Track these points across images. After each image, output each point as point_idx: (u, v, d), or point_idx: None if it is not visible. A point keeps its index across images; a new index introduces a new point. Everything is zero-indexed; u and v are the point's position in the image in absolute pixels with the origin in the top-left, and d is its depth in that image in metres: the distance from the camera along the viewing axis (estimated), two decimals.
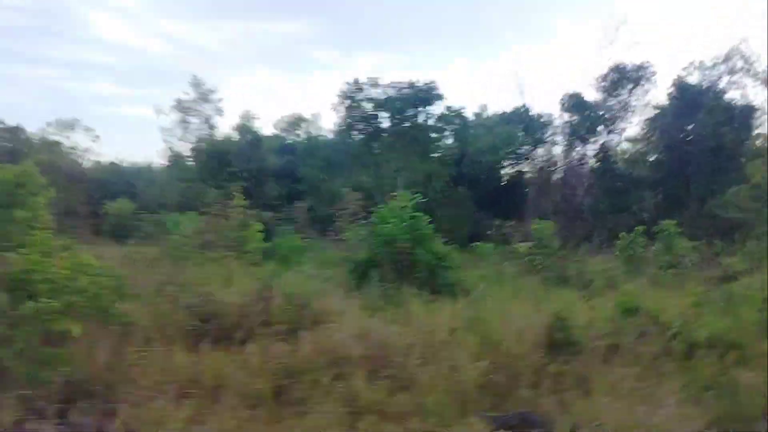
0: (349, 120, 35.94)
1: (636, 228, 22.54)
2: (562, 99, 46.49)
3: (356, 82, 35.50)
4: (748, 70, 42.72)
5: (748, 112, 41.44)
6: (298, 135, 57.27)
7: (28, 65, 68.88)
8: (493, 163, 48.47)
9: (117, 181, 43.69)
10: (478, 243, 23.62)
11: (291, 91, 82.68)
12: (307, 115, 56.22)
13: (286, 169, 41.17)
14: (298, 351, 8.98)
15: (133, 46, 71.89)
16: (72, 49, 70.58)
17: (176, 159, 41.60)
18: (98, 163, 47.67)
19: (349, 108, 35.78)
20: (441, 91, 34.87)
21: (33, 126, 41.62)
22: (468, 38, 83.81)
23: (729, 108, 40.83)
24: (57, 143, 41.59)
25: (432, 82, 34.54)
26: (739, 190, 37.58)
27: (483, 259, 20.62)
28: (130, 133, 77.43)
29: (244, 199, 17.07)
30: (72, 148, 42.05)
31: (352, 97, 35.60)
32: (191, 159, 42.11)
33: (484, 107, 52.86)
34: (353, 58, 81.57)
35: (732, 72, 43.30)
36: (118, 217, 24.28)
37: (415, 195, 14.19)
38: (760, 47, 45.72)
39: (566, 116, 46.67)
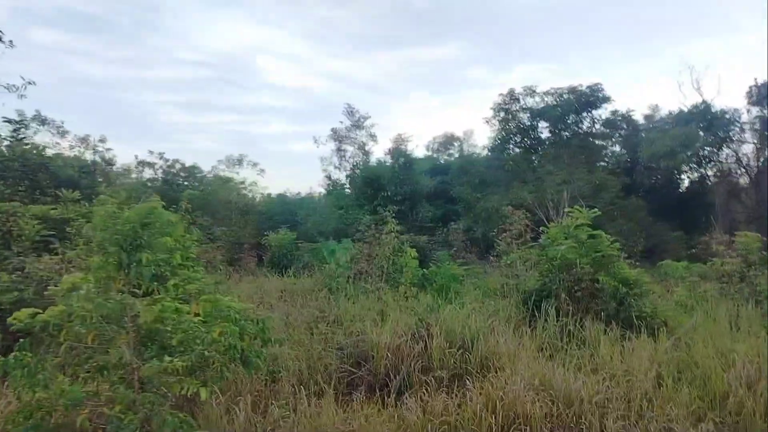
0: (504, 133, 33.99)
1: None
2: (749, 91, 40.77)
3: (511, 92, 33.53)
4: None
5: None
6: (450, 155, 56.39)
7: (216, 113, 77.96)
8: (670, 169, 43.60)
9: (281, 212, 45.52)
10: (665, 261, 20.45)
11: (444, 112, 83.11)
12: (459, 133, 55.23)
13: (439, 190, 40.16)
14: (464, 406, 7.47)
15: (300, 86, 77.93)
16: (250, 96, 78.74)
17: (333, 187, 42.38)
18: (267, 195, 50.31)
19: (503, 120, 33.86)
20: (606, 93, 31.76)
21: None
22: (628, 39, 78.14)
23: None
24: (228, 179, 44.29)
25: (596, 85, 31.59)
26: None
27: (674, 281, 17.63)
28: (299, 166, 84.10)
29: (398, 223, 15.97)
30: (240, 182, 44.54)
31: (506, 108, 33.68)
32: (347, 186, 42.71)
33: (655, 108, 48.01)
34: (506, 73, 79.91)
35: None
36: (278, 248, 24.64)
37: (592, 209, 12.07)
38: None
39: (755, 110, 40.80)
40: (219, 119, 77.79)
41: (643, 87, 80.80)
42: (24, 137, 16.48)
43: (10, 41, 15.82)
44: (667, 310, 11.29)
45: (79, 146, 38.83)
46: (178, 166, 40.12)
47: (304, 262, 21.39)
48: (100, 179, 29.06)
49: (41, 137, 37.76)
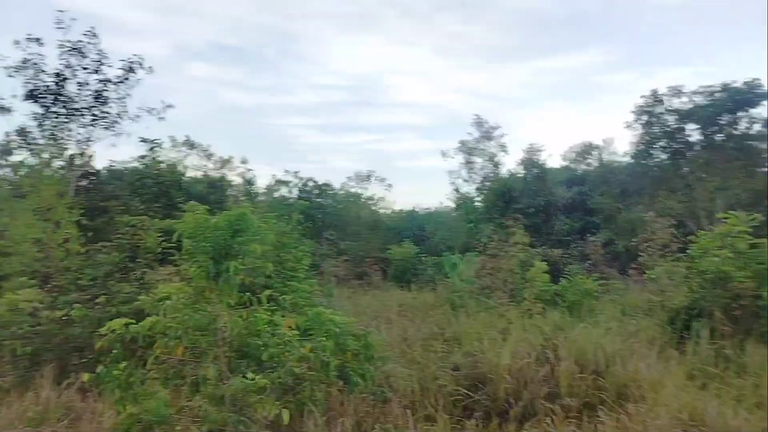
0: (647, 138, 31.22)
1: None
2: None
3: (654, 93, 30.75)
4: None
5: None
6: (588, 164, 53.30)
7: (351, 133, 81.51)
8: None
9: (409, 227, 45.48)
10: None
11: (581, 121, 79.33)
12: (597, 141, 52.12)
13: (576, 201, 37.86)
14: None
15: (432, 103, 78.91)
16: (383, 115, 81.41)
17: (462, 200, 41.50)
18: (397, 210, 50.72)
19: (646, 124, 31.12)
20: (766, 88, 28.05)
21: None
22: None
23: None
24: (357, 195, 45.08)
25: (754, 80, 28.03)
26: None
27: None
28: (430, 181, 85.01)
29: (526, 235, 14.90)
30: (369, 198, 45.11)
31: (649, 111, 30.92)
32: (477, 199, 41.66)
33: None
34: (648, 78, 74.79)
35: None
36: (401, 261, 24.27)
37: (752, 216, 10.32)
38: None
39: None
40: (354, 139, 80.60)
41: None
42: (158, 156, 17.79)
43: (150, 67, 17.14)
44: None
45: (222, 167, 41.42)
46: (311, 183, 41.42)
47: (428, 276, 20.82)
48: (231, 194, 30.62)
49: (190, 160, 40.98)
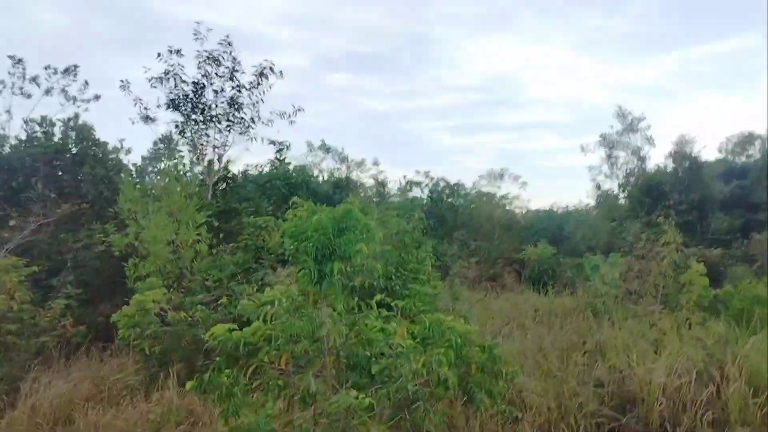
0: None
1: None
2: None
3: None
4: None
5: None
6: (750, 156, 47.89)
7: (485, 133, 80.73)
8: None
9: (547, 227, 43.45)
10: None
11: (741, 110, 71.90)
12: (760, 131, 46.70)
13: (736, 196, 34.00)
14: None
15: (571, 99, 75.83)
16: (519, 113, 79.76)
17: (604, 197, 38.77)
18: (534, 210, 48.83)
19: None
20: None
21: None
22: None
23: None
24: (490, 194, 43.76)
25: None
26: None
27: None
28: (570, 179, 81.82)
29: (680, 234, 13.16)
30: (503, 197, 43.59)
31: None
32: (621, 195, 38.74)
33: None
34: None
35: None
36: (537, 263, 22.80)
37: None
38: None
39: None
40: (488, 139, 79.36)
41: None
42: (285, 158, 18.07)
43: (280, 72, 17.44)
44: None
45: (355, 170, 42.04)
46: (442, 183, 40.80)
47: (567, 278, 19.33)
48: (361, 194, 30.76)
49: (327, 163, 42.09)
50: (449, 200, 40.70)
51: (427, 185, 40.93)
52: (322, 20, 69.53)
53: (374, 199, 42.66)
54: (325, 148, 41.61)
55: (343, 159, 41.31)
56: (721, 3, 68.32)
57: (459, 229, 35.86)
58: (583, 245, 34.15)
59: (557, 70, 76.00)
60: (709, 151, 66.94)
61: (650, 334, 9.00)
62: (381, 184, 42.33)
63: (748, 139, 51.17)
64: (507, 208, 44.05)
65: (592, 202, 42.22)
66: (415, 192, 42.83)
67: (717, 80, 74.87)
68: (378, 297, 5.42)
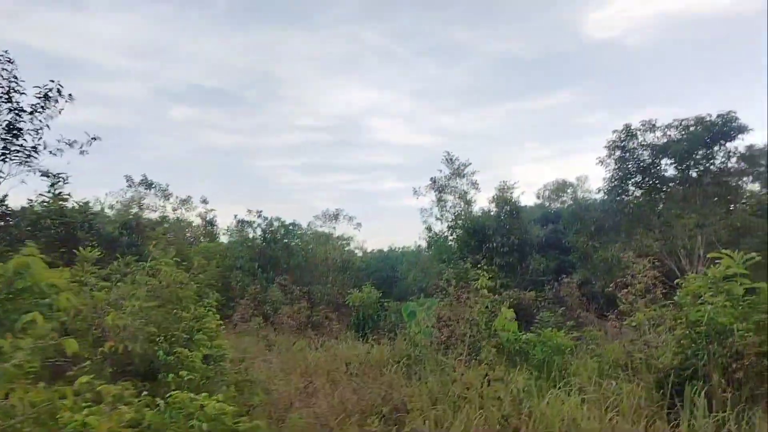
0: (621, 173, 30.04)
1: None
2: None
3: (627, 128, 29.70)
4: None
5: None
6: (563, 202, 52.45)
7: (331, 173, 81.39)
8: None
9: (381, 268, 43.76)
10: None
11: (557, 161, 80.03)
12: (572, 179, 51.38)
13: (551, 239, 36.55)
14: None
15: (409, 143, 79.52)
16: (362, 155, 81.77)
17: (434, 239, 39.85)
18: (371, 251, 49.16)
19: (620, 159, 29.99)
20: (742, 122, 27.13)
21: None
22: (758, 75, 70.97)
23: None
24: (325, 234, 43.25)
25: (728, 113, 27.10)
26: None
27: None
28: (406, 220, 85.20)
29: (502, 275, 13.17)
30: (339, 237, 43.30)
31: (623, 146, 29.84)
32: (450, 238, 40.08)
33: None
34: (622, 118, 75.59)
35: None
36: (361, 308, 22.28)
37: (750, 256, 8.74)
38: None
39: None
40: (334, 179, 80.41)
41: None
42: (61, 192, 15.72)
43: (69, 95, 15.41)
44: None
45: (181, 207, 39.44)
46: (276, 223, 39.51)
47: (390, 324, 18.94)
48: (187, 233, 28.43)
49: (149, 200, 38.93)
50: (284, 240, 39.46)
51: (259, 225, 39.40)
52: (164, 50, 66.23)
53: (201, 239, 40.20)
54: (147, 184, 38.63)
55: (167, 196, 38.59)
56: (541, 63, 75.62)
57: (294, 270, 34.70)
58: (415, 287, 34.57)
59: (399, 115, 79.49)
60: (528, 198, 73.03)
61: (454, 390, 8.49)
62: (209, 223, 40.05)
63: (561, 187, 56.19)
64: (346, 248, 43.81)
65: (424, 244, 43.32)
66: (250, 231, 41.06)
67: (537, 132, 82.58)
68: (84, 378, 4.11)
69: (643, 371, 8.87)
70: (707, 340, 8.22)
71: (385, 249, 51.05)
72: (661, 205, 30.65)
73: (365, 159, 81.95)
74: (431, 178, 39.36)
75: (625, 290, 10.96)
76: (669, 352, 8.83)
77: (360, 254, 46.97)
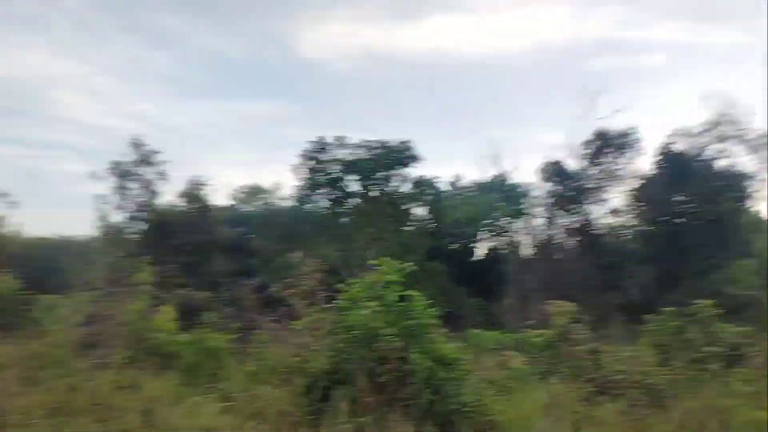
0: (311, 183, 31.23)
1: (667, 309, 17.88)
2: (542, 167, 43.20)
3: (320, 140, 31.05)
4: (739, 137, 40.16)
5: (744, 179, 38.52)
6: (255, 206, 52.65)
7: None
8: (470, 236, 44.33)
9: (45, 257, 38.17)
10: (474, 330, 18.57)
11: (256, 168, 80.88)
12: (267, 184, 51.80)
13: (238, 241, 36.12)
14: None
15: (103, 125, 70.86)
16: (41, 129, 69.92)
17: (109, 230, 35.99)
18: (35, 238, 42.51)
19: (312, 170, 31.15)
20: (417, 152, 30.61)
21: None
22: (441, 115, 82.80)
23: (725, 176, 37.83)
24: None
25: (407, 141, 30.34)
26: (744, 265, 34.00)
27: (483, 352, 15.56)
28: (83, 207, 75.88)
29: (160, 273, 11.89)
30: None
31: (315, 157, 31.06)
32: (130, 230, 36.65)
33: (459, 177, 49.28)
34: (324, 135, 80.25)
35: (721, 139, 40.68)
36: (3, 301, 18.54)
37: (404, 265, 9.27)
38: (750, 110, 43.39)
39: (547, 186, 43.27)
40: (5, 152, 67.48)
41: (449, 162, 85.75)
42: None
43: None
44: (496, 401, 8.67)
45: None
46: None
47: (33, 320, 16.00)
48: None
49: None
50: None
51: None
52: None
53: None
54: None
55: None
56: (252, 68, 75.46)
57: None
58: (77, 280, 30.58)
59: (90, 92, 71.05)
60: (221, 197, 71.91)
61: (78, 399, 7.06)
62: None
63: (256, 191, 56.45)
64: None
65: (98, 233, 38.87)
66: None
67: (239, 135, 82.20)
68: None
69: (295, 376, 8.67)
70: (359, 344, 8.36)
71: (54, 236, 44.76)
72: (345, 219, 32.72)
73: (44, 134, 71.15)
74: (113, 162, 35.53)
75: (290, 291, 10.80)
76: (323, 356, 8.80)
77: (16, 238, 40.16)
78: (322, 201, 32.03)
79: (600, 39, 79.62)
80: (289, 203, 37.69)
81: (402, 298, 8.88)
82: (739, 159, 39.83)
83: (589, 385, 11.60)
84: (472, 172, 52.78)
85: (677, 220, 38.15)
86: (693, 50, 76.21)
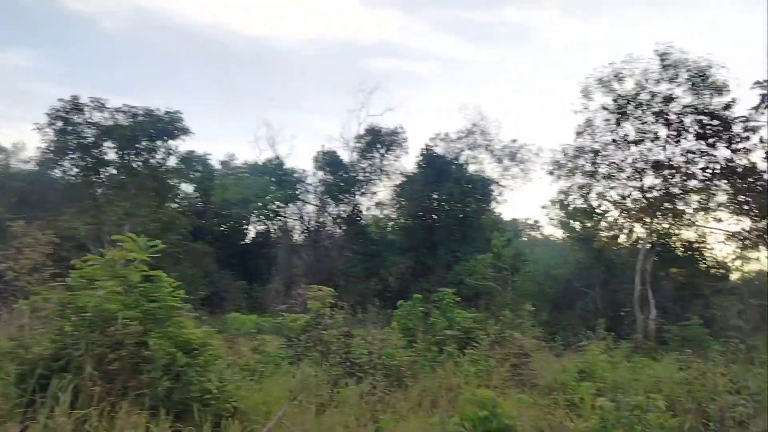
0: (59, 147, 27.58)
1: (415, 295, 19.38)
2: (317, 156, 44.06)
3: (74, 99, 27.54)
4: (487, 146, 45.25)
5: (488, 184, 43.50)
6: None
7: None
8: (240, 218, 43.38)
9: None
10: (232, 314, 18.04)
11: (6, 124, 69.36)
12: (5, 143, 44.91)
13: None
14: None
15: None
16: None
17: None
18: None
19: (61, 131, 27.51)
20: (186, 125, 28.79)
21: None
22: (218, 91, 79.63)
23: (473, 179, 42.29)
24: None
25: (176, 112, 28.37)
26: (482, 259, 38.39)
27: (240, 335, 15.25)
28: None
29: None
30: None
31: (65, 118, 27.48)
32: None
33: (232, 156, 47.91)
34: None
35: (473, 147, 45.45)
36: None
37: (153, 243, 8.48)
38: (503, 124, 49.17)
39: (321, 174, 44.26)
40: None
41: (222, 140, 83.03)
42: None
43: None
44: (242, 387, 8.39)
45: None
46: None
47: None
48: None
49: None
50: None
51: None
52: None
53: None
54: None
55: None
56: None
57: None
58: None
59: None
60: None
61: None
62: None
63: None
64: None
65: None
66: None
67: None
68: None
69: (9, 362, 7.44)
70: (90, 328, 7.44)
71: None
72: (98, 189, 29.60)
73: None
74: None
75: (13, 265, 9.28)
76: (45, 341, 7.67)
77: None
78: (71, 168, 28.48)
79: (380, 41, 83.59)
80: (31, 167, 32.95)
81: (147, 279, 8.12)
82: (486, 165, 45.03)
83: (338, 368, 11.98)
84: (246, 152, 51.62)
85: (433, 216, 41.63)
86: (458, 64, 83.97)
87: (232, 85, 77.28)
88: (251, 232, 47.07)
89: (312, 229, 44.15)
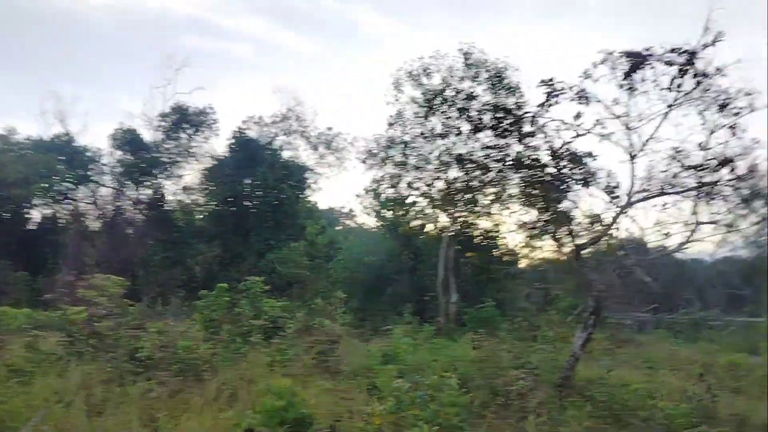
0: None
1: (219, 285, 18.31)
2: (114, 134, 40.14)
3: None
4: (303, 133, 44.82)
5: (303, 171, 43.12)
6: None
7: None
8: (21, 200, 38.28)
9: None
10: (4, 307, 15.57)
11: None
12: None
13: None
14: None
15: None
16: None
17: None
18: None
19: None
20: None
21: None
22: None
23: (287, 166, 41.63)
24: None
25: None
26: (296, 247, 38.04)
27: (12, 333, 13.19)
28: None
29: None
30: None
31: None
32: None
33: (12, 130, 41.92)
34: None
35: (288, 132, 44.72)
36: None
37: None
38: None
39: (118, 154, 40.41)
40: None
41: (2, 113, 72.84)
42: None
43: None
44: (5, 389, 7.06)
45: None
46: None
47: None
48: None
49: None
50: None
51: None
52: None
53: None
54: None
55: None
56: None
57: None
58: None
59: None
60: None
61: None
62: None
63: None
64: None
65: None
66: None
67: None
68: None
69: None
70: None
71: None
72: None
73: None
74: None
75: None
76: None
77: None
78: None
79: (191, 17, 78.96)
80: None
81: None
82: (301, 152, 44.56)
83: (127, 364, 10.83)
84: (30, 127, 45.64)
85: (245, 203, 40.27)
86: (275, 49, 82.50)
87: (17, 53, 67.91)
88: (36, 216, 41.84)
89: (108, 214, 40.28)
